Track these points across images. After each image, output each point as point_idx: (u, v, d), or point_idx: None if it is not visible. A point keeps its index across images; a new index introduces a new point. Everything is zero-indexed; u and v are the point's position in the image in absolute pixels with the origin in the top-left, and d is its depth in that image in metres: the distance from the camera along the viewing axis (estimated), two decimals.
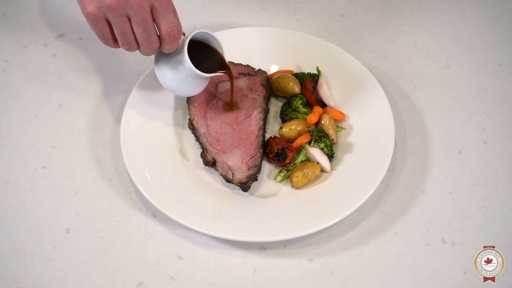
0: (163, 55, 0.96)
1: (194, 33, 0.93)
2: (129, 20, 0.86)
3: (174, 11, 0.88)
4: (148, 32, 0.87)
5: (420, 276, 0.91)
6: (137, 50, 0.92)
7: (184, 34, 0.95)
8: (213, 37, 0.97)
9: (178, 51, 0.94)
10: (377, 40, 1.27)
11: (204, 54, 0.99)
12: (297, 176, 0.99)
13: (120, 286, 0.90)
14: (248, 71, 1.13)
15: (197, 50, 0.96)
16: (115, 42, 0.91)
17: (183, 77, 0.96)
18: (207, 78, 0.99)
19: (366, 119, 1.07)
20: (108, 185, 1.02)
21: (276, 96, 1.16)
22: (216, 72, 0.99)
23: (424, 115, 1.13)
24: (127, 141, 1.02)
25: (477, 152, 1.07)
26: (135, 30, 0.87)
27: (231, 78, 1.04)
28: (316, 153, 1.01)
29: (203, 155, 1.02)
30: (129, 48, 0.91)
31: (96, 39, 1.23)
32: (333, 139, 1.05)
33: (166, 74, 0.97)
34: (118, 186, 1.02)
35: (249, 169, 1.00)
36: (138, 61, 1.21)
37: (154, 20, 0.87)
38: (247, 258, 0.93)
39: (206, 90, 1.10)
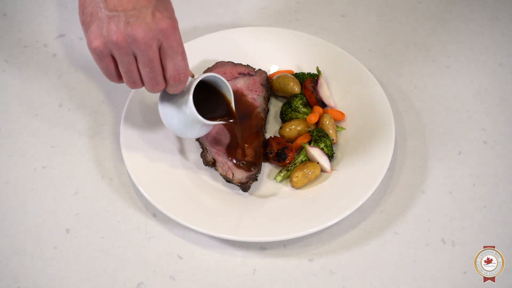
0: (168, 94, 0.92)
1: (202, 76, 0.90)
2: (135, 58, 0.82)
3: (182, 53, 0.83)
4: (154, 73, 0.83)
5: (420, 276, 0.91)
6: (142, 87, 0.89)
7: (193, 75, 0.92)
8: (222, 81, 0.93)
9: (183, 93, 0.89)
10: (377, 40, 1.27)
11: (210, 97, 0.95)
12: (297, 176, 0.99)
13: (120, 286, 0.90)
14: (248, 71, 1.13)
15: (204, 92, 0.92)
16: (119, 78, 0.87)
17: (186, 121, 0.91)
18: (210, 125, 0.95)
19: (366, 119, 1.07)
20: (108, 185, 1.02)
21: (276, 96, 1.16)
22: (220, 120, 0.95)
23: (424, 115, 1.13)
24: (127, 141, 1.01)
25: (477, 152, 1.07)
26: (141, 69, 0.83)
27: (237, 128, 1.00)
28: (316, 153, 1.01)
29: (203, 155, 1.02)
30: (134, 86, 0.87)
31: None
32: (333, 139, 1.05)
33: (169, 115, 0.92)
34: (118, 186, 1.02)
35: (249, 169, 1.00)
36: None
37: (161, 60, 0.83)
38: (247, 258, 0.93)
39: None
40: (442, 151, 1.07)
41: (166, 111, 0.92)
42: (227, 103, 0.96)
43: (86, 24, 0.83)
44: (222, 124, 0.99)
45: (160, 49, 0.81)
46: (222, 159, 1.01)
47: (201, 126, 0.93)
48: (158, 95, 1.11)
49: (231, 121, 0.97)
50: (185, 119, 0.91)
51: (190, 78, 0.91)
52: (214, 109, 0.96)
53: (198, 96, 0.89)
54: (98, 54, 0.83)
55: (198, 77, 0.90)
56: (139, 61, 0.82)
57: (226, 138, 1.05)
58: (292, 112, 1.09)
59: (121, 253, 0.93)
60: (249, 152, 1.03)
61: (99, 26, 0.81)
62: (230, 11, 1.32)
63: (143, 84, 0.87)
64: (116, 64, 0.85)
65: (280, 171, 1.03)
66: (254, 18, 1.31)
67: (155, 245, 0.95)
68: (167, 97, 0.92)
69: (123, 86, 1.16)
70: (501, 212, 0.99)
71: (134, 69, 0.84)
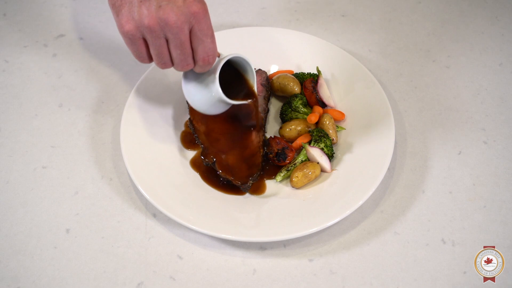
0: (193, 72, 0.94)
1: (228, 57, 0.91)
2: (167, 41, 0.84)
3: (212, 36, 0.86)
4: (185, 55, 0.86)
5: (420, 276, 0.91)
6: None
7: (219, 55, 0.93)
8: (246, 61, 0.94)
9: (209, 72, 0.91)
10: (377, 40, 1.27)
11: (232, 77, 0.97)
12: (297, 176, 0.99)
13: (120, 286, 0.90)
14: None
15: (227, 71, 0.94)
16: (150, 60, 0.89)
17: (209, 98, 0.93)
18: (233, 104, 0.96)
19: (366, 119, 1.07)
20: (108, 185, 1.02)
21: (276, 96, 1.16)
22: (242, 100, 0.97)
23: (424, 115, 1.13)
24: (127, 141, 1.01)
25: (477, 152, 1.07)
26: (172, 51, 0.85)
27: (256, 107, 1.02)
28: (316, 153, 1.01)
29: (203, 155, 1.02)
30: (164, 67, 0.89)
31: (95, 39, 1.22)
32: (333, 139, 1.05)
33: (193, 92, 0.94)
34: (118, 186, 1.02)
35: (249, 169, 1.00)
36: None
37: (191, 42, 0.85)
38: (247, 258, 0.93)
39: None
40: (442, 151, 1.07)
41: (190, 89, 0.95)
42: (248, 83, 0.98)
43: (116, 8, 0.84)
44: (243, 103, 0.99)
45: (190, 32, 0.84)
46: (222, 159, 1.01)
47: (223, 104, 0.95)
48: (158, 95, 1.11)
49: (251, 100, 0.98)
50: (209, 97, 0.93)
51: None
52: (236, 89, 0.98)
53: (221, 75, 0.91)
54: (130, 38, 0.84)
55: (224, 57, 0.91)
56: (171, 43, 0.84)
57: (226, 138, 1.05)
58: (292, 112, 1.09)
59: (121, 253, 0.93)
60: (249, 152, 1.02)
61: (130, 10, 0.82)
62: (230, 11, 1.33)
63: (172, 65, 0.89)
64: (147, 47, 0.86)
65: (280, 171, 1.03)
66: (254, 18, 1.31)
67: (155, 245, 0.95)
68: (193, 75, 0.94)
69: (123, 86, 1.16)
70: (501, 212, 0.99)
71: (165, 51, 0.86)
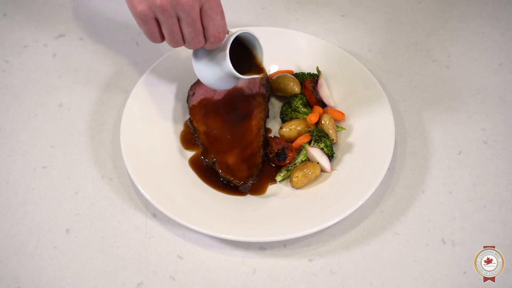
0: (203, 50, 0.97)
1: (237, 33, 0.93)
2: (178, 20, 0.87)
3: (221, 13, 0.88)
4: (196, 32, 0.88)
5: (420, 276, 0.91)
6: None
7: (228, 32, 0.95)
8: (255, 37, 0.96)
9: (219, 49, 0.94)
10: (377, 40, 1.27)
11: (241, 52, 0.99)
12: (297, 176, 0.99)
13: (120, 286, 0.90)
14: None
15: (236, 47, 0.96)
16: (162, 39, 0.92)
17: (220, 74, 0.96)
18: (243, 78, 1.00)
19: (366, 119, 1.07)
20: (108, 185, 1.02)
21: (276, 96, 1.16)
22: (252, 74, 0.99)
23: (424, 115, 1.13)
24: (127, 141, 1.01)
25: (477, 152, 1.07)
26: (183, 30, 0.88)
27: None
28: (316, 153, 1.01)
29: (203, 154, 1.02)
30: (176, 45, 0.92)
31: (95, 39, 1.23)
32: (333, 139, 1.05)
33: (203, 69, 0.97)
34: (118, 186, 1.02)
35: (249, 169, 1.00)
36: (139, 61, 1.21)
37: (201, 20, 0.88)
38: (247, 258, 0.93)
39: (206, 90, 1.10)
40: (442, 151, 1.07)
41: (201, 66, 0.97)
42: (257, 59, 1.00)
43: None
44: (253, 78, 1.01)
45: (201, 10, 0.86)
46: (222, 159, 1.01)
47: (233, 79, 0.98)
48: (158, 95, 1.11)
49: (260, 75, 0.99)
50: (220, 73, 0.95)
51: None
52: (246, 64, 0.99)
53: (231, 51, 0.93)
54: (143, 18, 0.87)
55: (234, 33, 0.93)
56: (182, 22, 0.87)
57: (226, 138, 1.05)
58: (292, 112, 1.09)
59: (121, 253, 0.93)
60: (249, 152, 1.02)
61: None
62: (230, 11, 1.32)
63: (184, 43, 0.92)
64: (159, 26, 0.89)
65: (280, 171, 1.03)
66: (254, 18, 1.31)
67: (155, 245, 0.95)
68: (203, 52, 0.97)
69: (123, 86, 1.16)
70: (501, 212, 0.99)
71: (177, 30, 0.88)
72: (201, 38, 0.90)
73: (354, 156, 1.03)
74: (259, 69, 1.00)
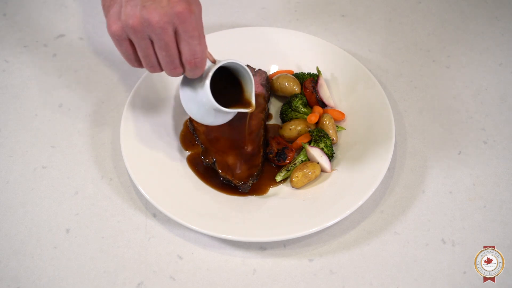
0: (188, 79, 0.90)
1: (222, 63, 0.87)
2: (152, 42, 0.82)
3: (199, 37, 0.81)
4: (170, 57, 0.82)
5: (420, 276, 0.91)
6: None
7: (214, 61, 0.88)
8: (244, 68, 0.89)
9: (202, 78, 0.87)
10: (377, 40, 1.27)
11: (231, 83, 0.93)
12: (297, 176, 0.99)
13: (120, 286, 0.90)
14: None
15: (226, 79, 0.90)
16: (139, 63, 0.87)
17: (203, 107, 0.89)
18: (228, 112, 0.91)
19: (366, 119, 1.07)
20: (108, 185, 1.02)
21: (276, 96, 1.16)
22: (237, 107, 0.91)
23: (424, 115, 1.13)
24: (127, 141, 1.01)
25: (477, 152, 1.07)
26: (158, 53, 0.83)
27: (249, 115, 1.01)
28: (316, 153, 1.01)
29: (203, 154, 1.02)
30: (153, 71, 0.86)
31: (95, 39, 1.23)
32: (333, 139, 1.05)
33: (187, 100, 0.91)
34: (118, 186, 1.02)
35: (249, 169, 1.00)
36: None
37: (178, 44, 0.82)
38: (247, 258, 0.93)
39: None
40: (442, 151, 1.07)
41: (185, 96, 0.91)
42: (245, 94, 0.93)
43: (106, 8, 0.84)
44: (240, 112, 0.94)
45: (176, 33, 0.81)
46: (222, 159, 1.01)
47: (219, 113, 0.90)
48: (158, 95, 1.11)
49: (248, 110, 0.93)
50: (202, 105, 0.88)
51: (210, 64, 0.88)
52: (235, 97, 0.93)
53: (219, 83, 0.87)
54: (117, 39, 0.83)
55: (219, 62, 0.87)
56: (156, 45, 0.81)
57: (226, 138, 1.05)
58: (292, 112, 1.09)
59: (121, 253, 0.93)
60: (249, 152, 1.02)
61: (118, 10, 0.81)
62: (230, 11, 1.33)
63: (162, 69, 0.86)
64: (135, 49, 0.84)
65: (280, 171, 1.03)
66: (254, 18, 1.31)
67: (155, 245, 0.95)
68: (187, 82, 0.90)
69: (123, 86, 1.16)
70: (501, 212, 0.99)
71: (151, 53, 0.83)
72: (177, 64, 0.83)
73: (354, 156, 1.03)
74: (247, 103, 0.93)
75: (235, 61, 0.88)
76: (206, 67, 0.86)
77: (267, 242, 0.94)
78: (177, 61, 0.83)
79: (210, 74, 0.85)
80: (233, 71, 0.92)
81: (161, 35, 0.79)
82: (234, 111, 0.90)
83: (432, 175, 1.04)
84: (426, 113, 1.13)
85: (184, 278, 0.91)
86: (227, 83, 0.92)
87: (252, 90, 0.92)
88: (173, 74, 0.85)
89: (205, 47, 0.83)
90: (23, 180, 1.03)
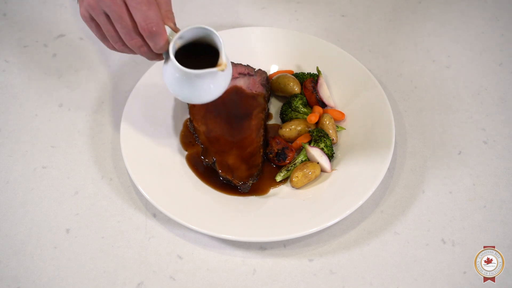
0: (164, 61, 0.89)
1: (185, 29, 0.83)
2: (109, 18, 0.85)
3: (148, 3, 0.81)
4: (126, 27, 0.83)
5: (420, 276, 0.91)
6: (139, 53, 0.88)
7: (177, 30, 0.85)
8: (209, 29, 0.83)
9: (168, 51, 0.85)
10: (377, 40, 1.27)
11: (206, 54, 0.88)
12: (297, 176, 0.99)
13: (120, 286, 0.90)
14: (248, 71, 1.13)
15: (203, 54, 0.87)
16: (111, 43, 0.89)
17: (178, 78, 0.86)
18: (206, 78, 0.86)
19: (366, 119, 1.07)
20: (108, 185, 1.02)
21: (276, 96, 1.16)
22: (208, 67, 0.84)
23: (424, 115, 1.13)
24: (127, 141, 1.01)
25: (477, 152, 1.07)
26: (116, 28, 0.85)
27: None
28: (316, 153, 1.01)
29: (203, 154, 1.02)
30: (120, 48, 0.88)
31: (95, 39, 1.23)
32: (333, 139, 1.05)
33: (166, 77, 0.88)
34: (118, 186, 1.02)
35: (249, 169, 1.00)
36: (138, 61, 1.21)
37: (131, 15, 0.83)
38: (247, 258, 0.93)
39: None
40: (442, 151, 1.07)
41: (165, 76, 0.88)
42: (218, 53, 0.86)
43: None
44: (210, 71, 0.84)
45: (126, 4, 0.82)
46: (222, 159, 1.01)
47: (196, 81, 0.86)
48: (158, 95, 1.11)
49: (216, 69, 0.84)
50: (175, 77, 0.86)
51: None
52: (208, 63, 0.86)
53: (198, 60, 0.85)
54: (85, 20, 0.88)
55: (181, 30, 0.84)
56: (112, 19, 0.84)
57: (226, 138, 1.05)
58: (292, 112, 1.09)
59: (121, 253, 0.93)
60: (249, 152, 1.02)
61: None
62: (230, 11, 1.32)
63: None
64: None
65: (280, 171, 1.03)
66: (254, 18, 1.31)
67: (155, 245, 0.95)
68: (164, 63, 0.89)
69: (123, 86, 1.16)
70: (501, 212, 0.99)
71: (111, 28, 0.86)
72: (134, 35, 0.84)
73: (354, 156, 1.03)
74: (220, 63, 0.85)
75: (198, 26, 0.83)
76: (172, 42, 0.84)
77: (267, 242, 0.94)
78: (133, 32, 0.84)
79: (173, 40, 0.83)
80: (206, 41, 0.87)
81: (112, 7, 0.82)
82: (202, 71, 0.84)
83: (432, 175, 1.04)
84: (426, 113, 1.13)
85: (184, 278, 0.91)
86: (206, 59, 0.87)
87: (221, 48, 0.84)
88: (135, 47, 0.86)
89: (158, 12, 0.82)
90: (23, 180, 1.03)
